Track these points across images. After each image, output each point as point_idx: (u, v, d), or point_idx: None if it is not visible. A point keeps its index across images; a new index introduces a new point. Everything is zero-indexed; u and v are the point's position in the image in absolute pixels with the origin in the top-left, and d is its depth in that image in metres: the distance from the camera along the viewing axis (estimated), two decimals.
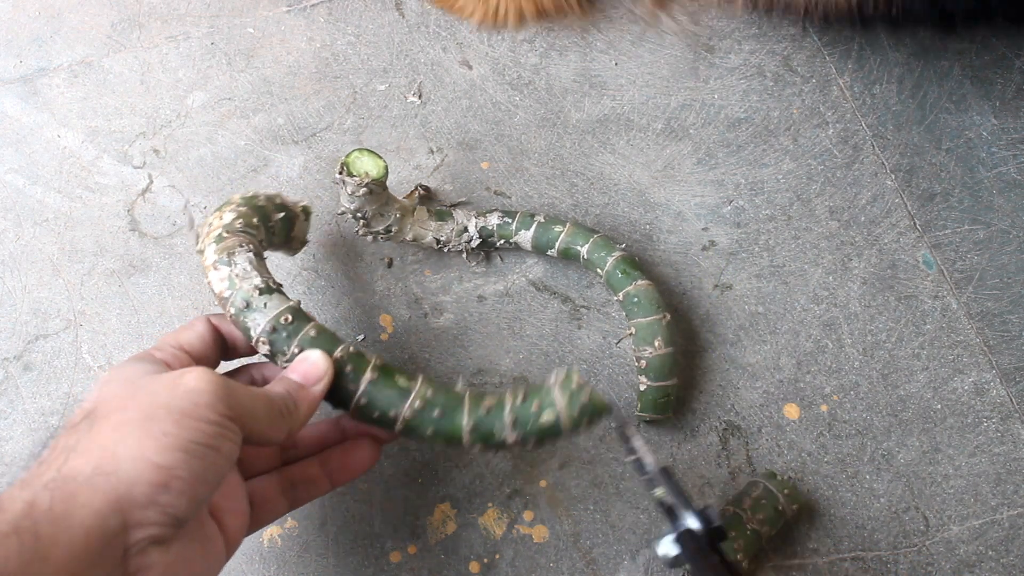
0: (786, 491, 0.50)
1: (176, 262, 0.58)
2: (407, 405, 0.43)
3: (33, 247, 0.58)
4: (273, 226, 0.49)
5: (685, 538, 0.41)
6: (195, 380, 0.37)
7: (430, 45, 0.65)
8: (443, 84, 0.63)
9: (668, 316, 0.53)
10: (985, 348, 0.57)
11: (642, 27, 0.64)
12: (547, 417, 0.43)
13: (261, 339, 0.43)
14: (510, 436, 0.43)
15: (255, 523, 0.43)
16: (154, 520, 0.33)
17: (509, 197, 0.60)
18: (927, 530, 0.52)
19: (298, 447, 0.47)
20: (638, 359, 0.53)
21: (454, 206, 0.58)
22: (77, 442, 0.34)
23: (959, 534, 0.52)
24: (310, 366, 0.42)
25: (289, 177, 0.60)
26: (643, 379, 0.53)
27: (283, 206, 0.50)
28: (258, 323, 0.43)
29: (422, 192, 0.59)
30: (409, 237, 0.55)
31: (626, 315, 0.55)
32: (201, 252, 0.45)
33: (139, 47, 0.64)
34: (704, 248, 0.59)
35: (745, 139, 0.62)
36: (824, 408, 0.55)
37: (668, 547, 0.41)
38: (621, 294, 0.54)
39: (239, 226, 0.45)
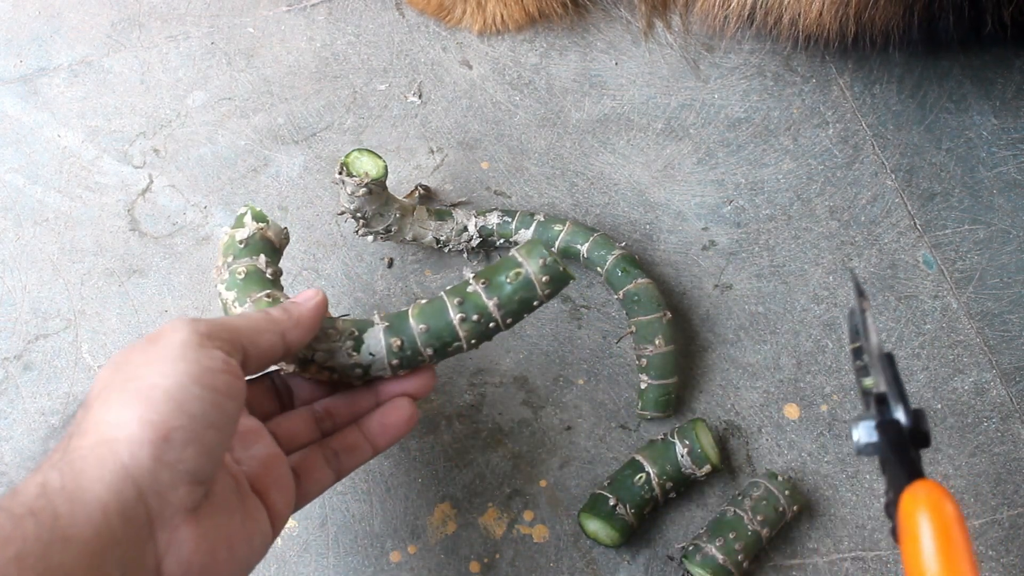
0: (787, 492, 0.50)
1: (176, 262, 0.58)
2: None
3: (33, 247, 0.58)
4: (271, 261, 0.47)
5: (890, 428, 0.37)
6: (171, 326, 0.36)
7: (430, 45, 0.65)
8: (443, 84, 0.63)
9: (668, 314, 0.53)
10: (985, 348, 0.57)
11: (637, 35, 0.64)
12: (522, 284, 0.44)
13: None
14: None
15: (303, 497, 0.42)
16: (169, 481, 0.32)
17: (509, 197, 0.60)
18: None
19: (334, 416, 0.46)
20: (639, 357, 0.53)
21: (454, 206, 0.58)
22: (77, 426, 0.34)
23: None
24: (306, 294, 0.43)
25: (289, 177, 0.60)
26: (644, 377, 0.53)
27: (262, 243, 0.47)
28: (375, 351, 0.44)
29: (422, 192, 0.59)
30: (409, 237, 0.55)
31: (626, 313, 0.55)
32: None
33: (139, 47, 0.64)
34: (704, 248, 0.59)
35: (745, 139, 0.62)
36: (824, 408, 0.55)
37: (867, 432, 0.38)
38: (621, 292, 0.54)
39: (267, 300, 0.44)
